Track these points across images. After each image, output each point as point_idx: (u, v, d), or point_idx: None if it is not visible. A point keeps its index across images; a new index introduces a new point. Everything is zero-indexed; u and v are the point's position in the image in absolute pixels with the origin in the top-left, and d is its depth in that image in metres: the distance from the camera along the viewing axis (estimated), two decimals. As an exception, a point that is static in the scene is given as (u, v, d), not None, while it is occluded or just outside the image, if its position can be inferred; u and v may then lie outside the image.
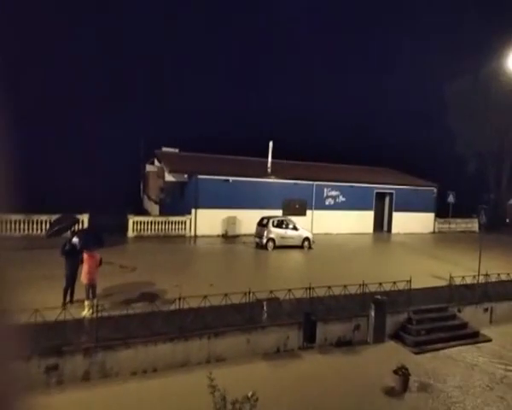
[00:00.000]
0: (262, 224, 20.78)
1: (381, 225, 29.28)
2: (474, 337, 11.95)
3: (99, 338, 8.34)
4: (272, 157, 25.93)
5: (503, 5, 33.71)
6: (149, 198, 34.50)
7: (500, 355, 10.85)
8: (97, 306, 9.00)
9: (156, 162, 30.36)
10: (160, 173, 27.54)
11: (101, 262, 10.42)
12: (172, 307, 10.14)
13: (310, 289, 12.12)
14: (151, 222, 22.36)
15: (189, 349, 9.01)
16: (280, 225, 20.79)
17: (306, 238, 21.05)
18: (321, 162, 33.33)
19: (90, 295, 9.94)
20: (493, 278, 14.84)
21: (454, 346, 11.33)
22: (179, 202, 25.54)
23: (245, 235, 22.90)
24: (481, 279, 14.48)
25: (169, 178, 24.24)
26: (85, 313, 9.71)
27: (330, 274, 14.79)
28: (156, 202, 31.43)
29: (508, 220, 34.93)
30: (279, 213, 24.27)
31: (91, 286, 9.98)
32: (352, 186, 27.74)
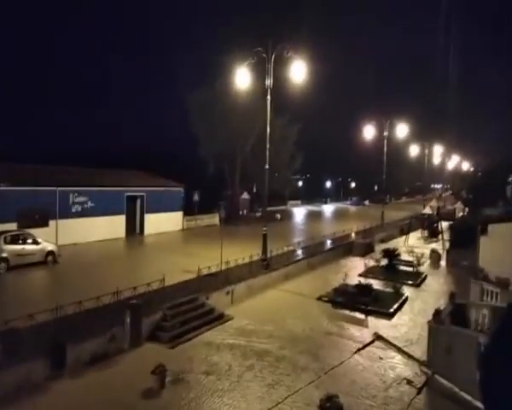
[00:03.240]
0: (-11, 242, 17.03)
1: (134, 227, 29.11)
2: (220, 319, 13.50)
3: None
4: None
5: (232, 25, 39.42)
6: None
7: (241, 330, 12.67)
8: None
9: None
10: None
11: None
12: None
13: (57, 309, 10.81)
14: None
15: None
16: (15, 240, 17.63)
17: (50, 252, 18.64)
18: (66, 166, 30.27)
19: None
20: (232, 264, 17.26)
21: (205, 331, 12.47)
22: None
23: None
24: (223, 267, 16.56)
25: None
26: None
27: (80, 288, 13.55)
28: None
29: (241, 213, 41.30)
30: (13, 226, 20.46)
31: None
32: (101, 190, 26.40)
